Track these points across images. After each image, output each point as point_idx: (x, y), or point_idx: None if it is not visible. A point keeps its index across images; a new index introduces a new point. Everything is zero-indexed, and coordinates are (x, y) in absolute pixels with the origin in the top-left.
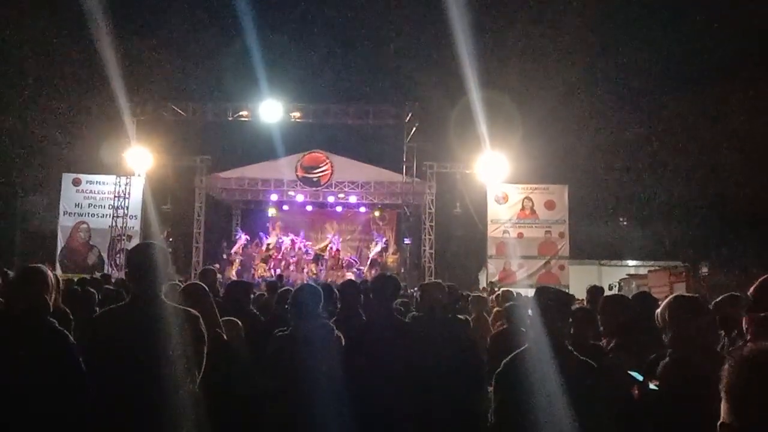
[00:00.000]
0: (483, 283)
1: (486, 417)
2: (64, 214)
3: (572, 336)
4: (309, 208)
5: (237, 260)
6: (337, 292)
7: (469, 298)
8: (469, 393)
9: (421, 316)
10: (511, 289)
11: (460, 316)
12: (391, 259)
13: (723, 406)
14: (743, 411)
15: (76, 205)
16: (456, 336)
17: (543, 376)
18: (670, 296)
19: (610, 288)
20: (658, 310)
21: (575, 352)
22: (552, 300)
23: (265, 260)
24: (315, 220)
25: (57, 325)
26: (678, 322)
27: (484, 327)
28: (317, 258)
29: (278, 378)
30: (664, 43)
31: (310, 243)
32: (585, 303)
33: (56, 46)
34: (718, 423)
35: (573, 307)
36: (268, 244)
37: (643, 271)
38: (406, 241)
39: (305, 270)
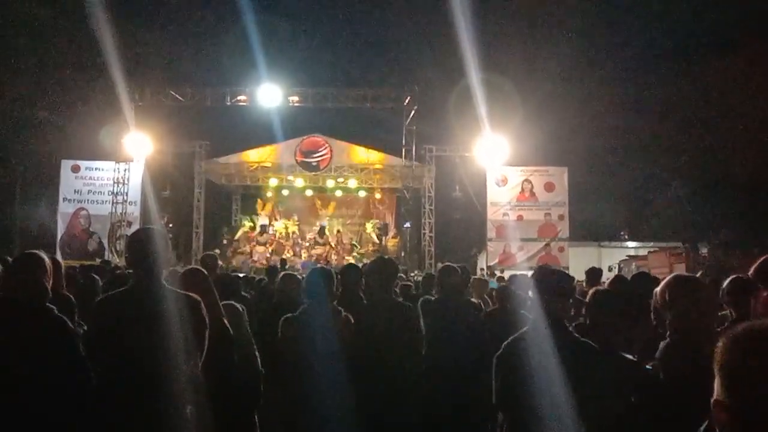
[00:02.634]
0: (483, 266)
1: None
2: (63, 201)
3: (587, 316)
4: (308, 192)
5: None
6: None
7: (470, 281)
8: (479, 375)
9: (437, 299)
10: (514, 270)
11: (474, 300)
12: (391, 242)
13: (716, 383)
14: (736, 388)
15: (75, 191)
16: (469, 320)
17: (542, 358)
18: (670, 276)
19: (610, 269)
20: (657, 290)
21: (576, 334)
22: (550, 281)
23: (263, 244)
24: (313, 204)
25: (56, 311)
26: (678, 302)
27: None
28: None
29: (291, 359)
30: (661, 24)
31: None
32: (584, 285)
33: (55, 32)
34: (712, 400)
35: (597, 288)
36: (262, 226)
37: (643, 252)
38: (406, 224)
39: (302, 254)
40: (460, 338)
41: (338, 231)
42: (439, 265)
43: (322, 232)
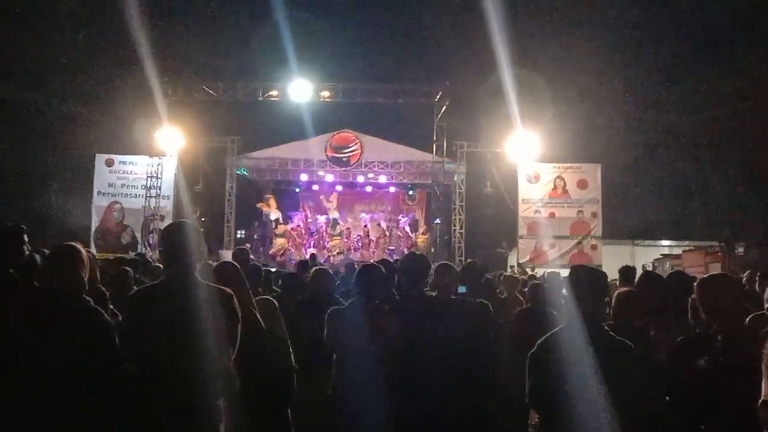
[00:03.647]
0: (513, 263)
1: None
2: (97, 195)
3: (613, 317)
4: (339, 188)
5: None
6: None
7: (501, 278)
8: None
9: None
10: (545, 268)
11: (482, 300)
12: (421, 239)
13: (764, 383)
14: None
15: (109, 185)
16: (467, 317)
17: (578, 356)
18: (710, 275)
19: (644, 268)
20: (698, 289)
21: (611, 332)
22: (586, 279)
23: (282, 236)
24: (344, 200)
25: (92, 303)
26: (723, 301)
27: (517, 306)
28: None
29: (339, 351)
30: (699, 18)
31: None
32: (617, 283)
33: (90, 28)
34: (760, 401)
35: (619, 290)
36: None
37: (677, 251)
38: (437, 220)
39: (327, 249)
40: (451, 337)
41: (365, 226)
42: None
43: (335, 224)
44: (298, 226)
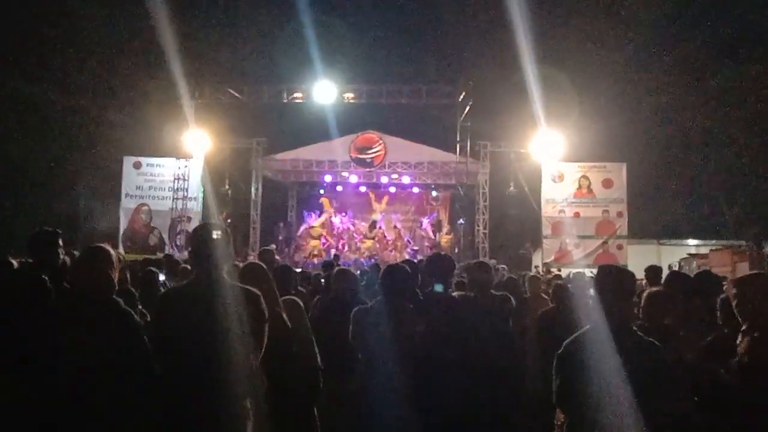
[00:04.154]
0: (538, 263)
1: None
2: (125, 197)
3: (643, 318)
4: (363, 188)
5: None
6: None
7: (526, 278)
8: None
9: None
10: (570, 268)
11: (498, 293)
12: (445, 239)
13: None
14: None
15: (137, 187)
16: (491, 312)
17: (604, 356)
18: (746, 274)
19: (670, 268)
20: (732, 288)
21: (639, 333)
22: (614, 279)
23: (318, 237)
24: (367, 200)
25: (122, 303)
26: (756, 300)
27: (541, 306)
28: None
29: (365, 350)
30: (727, 15)
31: (363, 224)
32: (644, 283)
33: (116, 31)
34: None
35: (650, 290)
36: (312, 225)
37: (704, 250)
38: (460, 221)
39: (359, 249)
40: (479, 336)
41: (395, 227)
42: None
43: (373, 226)
44: (339, 227)
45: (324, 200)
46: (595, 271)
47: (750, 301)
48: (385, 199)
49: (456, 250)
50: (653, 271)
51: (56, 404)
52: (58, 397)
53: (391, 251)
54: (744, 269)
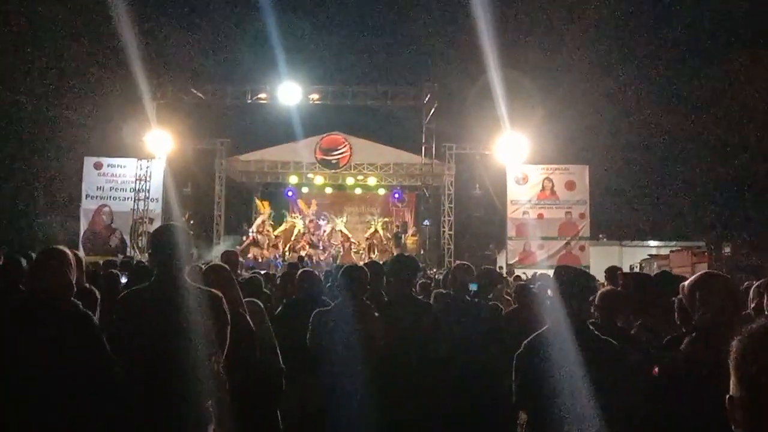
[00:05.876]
0: (502, 264)
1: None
2: (86, 198)
3: (598, 317)
4: (328, 190)
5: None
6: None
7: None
8: (498, 373)
9: (448, 293)
10: (533, 269)
11: (496, 303)
12: (410, 240)
13: (732, 380)
14: (749, 385)
15: (98, 188)
16: (481, 319)
17: (563, 356)
18: (699, 273)
19: (631, 269)
20: (685, 287)
21: (597, 332)
22: (571, 280)
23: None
24: (333, 202)
25: (81, 306)
26: (707, 299)
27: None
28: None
29: (321, 353)
30: (685, 20)
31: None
32: (604, 284)
33: (78, 30)
34: (727, 396)
35: (603, 289)
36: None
37: (664, 251)
38: (426, 222)
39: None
40: (478, 336)
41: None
42: (457, 262)
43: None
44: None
45: (260, 203)
46: None
47: (689, 303)
48: (314, 203)
49: (422, 252)
50: (612, 272)
51: (15, 410)
52: (16, 402)
53: (356, 253)
54: (703, 270)
